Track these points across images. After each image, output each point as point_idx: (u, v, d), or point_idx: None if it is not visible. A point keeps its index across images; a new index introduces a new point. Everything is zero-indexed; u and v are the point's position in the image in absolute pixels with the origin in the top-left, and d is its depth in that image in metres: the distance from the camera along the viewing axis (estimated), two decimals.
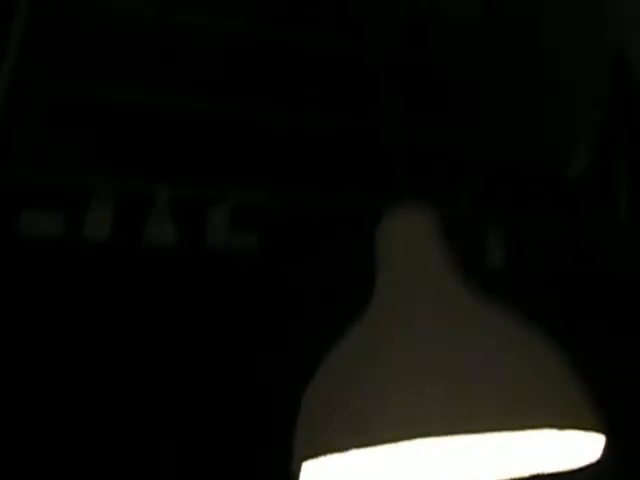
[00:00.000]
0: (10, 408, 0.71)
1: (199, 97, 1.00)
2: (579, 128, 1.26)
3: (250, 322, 0.82)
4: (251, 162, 0.99)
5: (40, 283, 0.78)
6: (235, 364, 0.78)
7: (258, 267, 0.87)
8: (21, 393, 0.73)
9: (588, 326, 1.00)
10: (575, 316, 1.01)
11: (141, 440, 0.73)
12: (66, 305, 0.78)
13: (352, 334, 0.47)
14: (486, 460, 0.49)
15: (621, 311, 1.06)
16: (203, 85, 1.02)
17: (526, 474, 0.48)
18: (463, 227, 1.03)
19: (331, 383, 0.43)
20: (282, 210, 0.95)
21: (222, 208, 0.92)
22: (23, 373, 0.74)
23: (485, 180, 1.14)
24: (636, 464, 0.80)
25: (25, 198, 0.84)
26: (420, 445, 0.47)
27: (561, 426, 0.36)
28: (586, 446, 0.43)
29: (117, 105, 1.00)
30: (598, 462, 0.45)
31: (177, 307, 0.81)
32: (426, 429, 0.34)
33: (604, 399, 0.51)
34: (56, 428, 0.73)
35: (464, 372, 0.36)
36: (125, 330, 0.78)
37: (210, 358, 0.78)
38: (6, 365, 0.73)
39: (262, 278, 0.86)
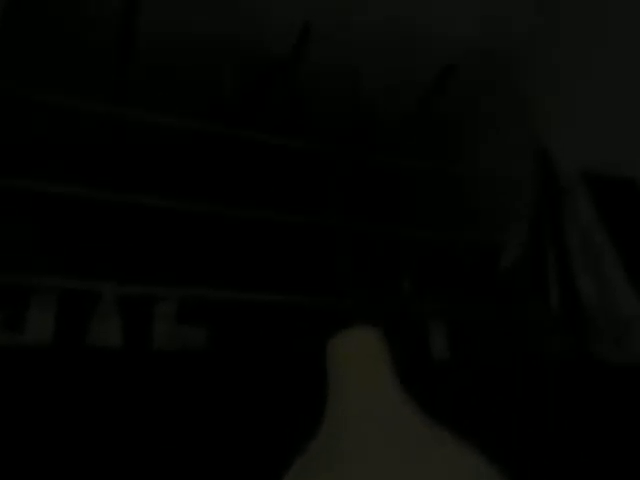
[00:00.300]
0: None
1: (145, 192, 1.02)
2: (509, 221, 1.35)
3: (199, 423, 0.81)
4: (198, 257, 1.01)
5: None
6: (184, 466, 0.76)
7: (207, 364, 0.87)
8: None
9: (527, 406, 1.04)
10: (515, 399, 1.05)
11: None
12: (7, 411, 0.74)
13: (308, 453, 0.48)
14: None
15: (558, 392, 1.11)
16: (150, 180, 1.04)
17: None
18: (406, 320, 1.07)
19: None
20: (230, 305, 0.96)
21: (169, 304, 0.92)
22: None
23: (424, 272, 1.19)
24: None
25: None
26: None
27: None
28: None
29: (60, 198, 1.00)
30: None
31: (123, 409, 0.79)
32: None
33: None
34: None
35: None
36: (68, 437, 0.74)
37: (158, 461, 0.76)
38: None
39: (211, 376, 0.85)
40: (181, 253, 1.03)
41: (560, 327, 1.22)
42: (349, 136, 1.37)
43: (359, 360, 0.53)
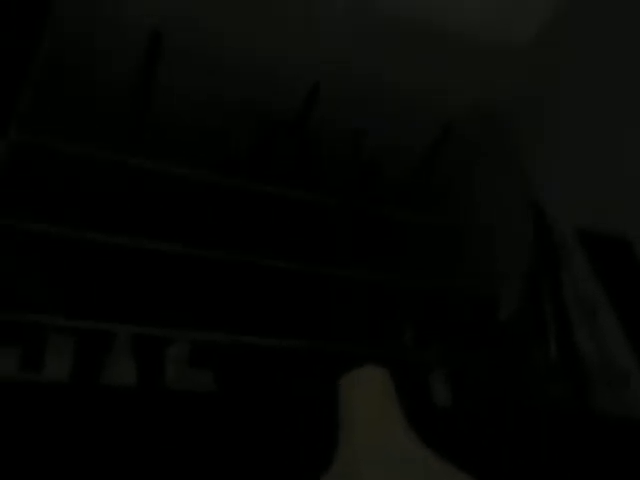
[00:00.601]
0: None
1: (154, 238, 1.07)
2: (508, 275, 1.40)
3: (206, 460, 0.83)
4: (207, 304, 1.05)
5: None
6: None
7: (215, 404, 0.89)
8: None
9: (524, 453, 1.06)
10: (513, 446, 1.07)
11: None
12: (23, 447, 0.76)
13: None
14: None
15: (554, 440, 1.12)
16: (159, 226, 1.09)
17: None
18: (409, 369, 1.10)
19: None
20: (237, 349, 0.99)
21: (180, 347, 0.96)
22: None
23: (425, 321, 1.23)
24: None
25: None
26: None
27: None
28: None
29: (79, 243, 1.05)
30: None
31: (135, 445, 0.81)
32: None
33: None
34: None
35: None
36: (83, 471, 0.76)
37: None
38: None
39: (219, 416, 0.88)
40: (193, 298, 1.07)
41: (558, 377, 1.25)
42: (353, 190, 1.44)
43: (369, 398, 0.56)
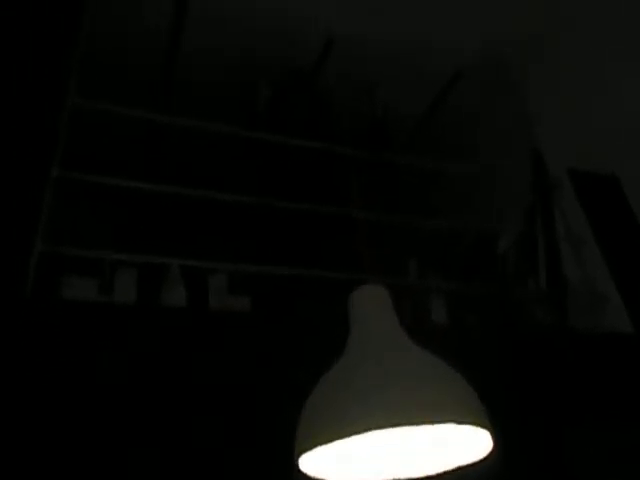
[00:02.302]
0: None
1: (204, 188, 1.25)
2: (508, 212, 1.56)
3: (246, 368, 1.04)
4: (245, 241, 1.24)
5: (78, 339, 0.99)
6: (239, 397, 0.99)
7: (251, 324, 1.10)
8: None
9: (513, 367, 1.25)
10: (505, 362, 1.26)
11: None
12: (99, 357, 0.98)
13: (334, 367, 0.71)
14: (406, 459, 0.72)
15: (540, 358, 1.31)
16: (206, 179, 1.27)
17: (432, 472, 0.71)
18: (413, 292, 1.29)
19: (320, 398, 0.66)
20: (270, 279, 1.19)
21: (221, 277, 1.16)
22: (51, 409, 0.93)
23: (429, 253, 1.41)
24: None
25: (66, 268, 1.06)
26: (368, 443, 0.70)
27: (460, 422, 0.60)
28: (478, 442, 0.67)
29: (140, 195, 1.24)
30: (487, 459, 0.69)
31: (187, 358, 1.03)
32: (376, 424, 0.57)
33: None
34: None
35: (401, 387, 0.60)
36: (147, 375, 0.98)
37: (217, 397, 1.00)
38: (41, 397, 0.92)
39: (255, 333, 1.09)
40: (233, 237, 1.27)
41: (546, 302, 1.43)
42: (367, 137, 1.59)
43: (372, 304, 0.75)
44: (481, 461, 0.70)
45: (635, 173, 1.44)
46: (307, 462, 0.68)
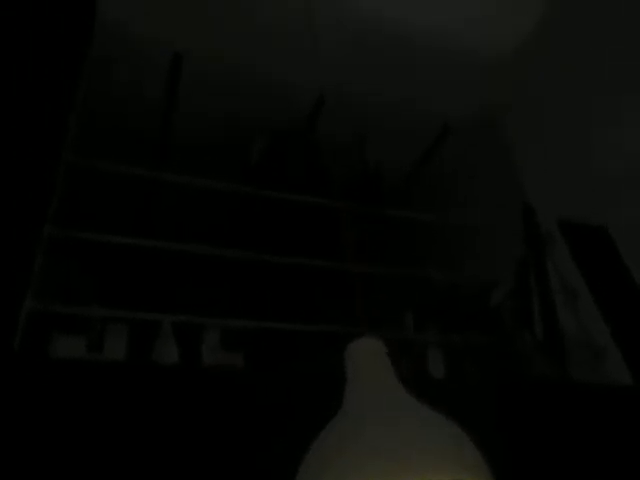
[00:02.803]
0: None
1: (196, 243, 1.25)
2: (499, 265, 1.56)
3: (240, 424, 1.01)
4: (237, 297, 1.23)
5: (66, 397, 0.96)
6: (235, 453, 0.96)
7: (245, 381, 1.07)
8: None
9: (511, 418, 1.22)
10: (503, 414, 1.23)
11: None
12: (88, 415, 0.95)
13: (331, 427, 0.68)
14: None
15: (540, 411, 1.28)
16: (196, 234, 1.27)
17: None
18: (410, 345, 1.27)
19: (317, 462, 0.64)
20: (262, 334, 1.17)
21: (214, 333, 1.14)
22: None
23: (425, 306, 1.40)
24: None
25: (55, 326, 1.04)
26: None
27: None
28: None
29: (134, 253, 1.23)
30: None
31: (180, 415, 1.00)
32: None
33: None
34: None
35: (403, 450, 0.58)
36: (137, 433, 0.95)
37: (210, 452, 0.96)
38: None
39: (248, 390, 1.06)
40: (225, 293, 1.26)
41: (544, 354, 1.41)
42: (360, 193, 1.61)
43: (368, 357, 0.73)
44: None
45: (623, 219, 1.46)
46: None
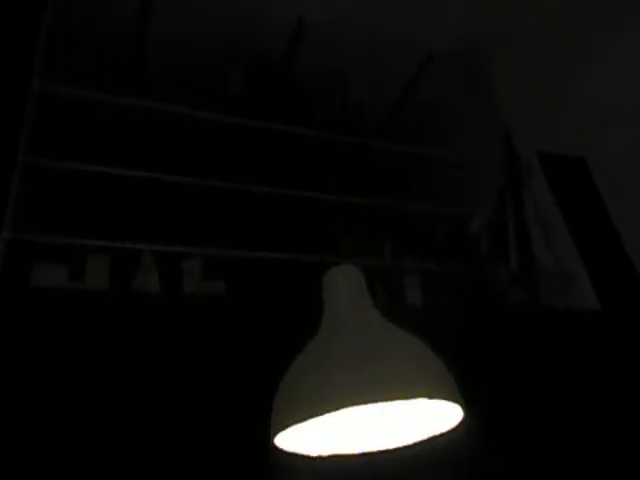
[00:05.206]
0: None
1: (176, 174, 1.24)
2: (483, 198, 1.58)
3: (221, 350, 1.05)
4: (219, 225, 1.23)
5: (48, 326, 0.98)
6: (218, 377, 1.00)
7: (226, 308, 1.10)
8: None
9: (485, 346, 1.28)
10: (476, 342, 1.28)
11: None
12: (69, 344, 0.97)
13: (307, 348, 0.71)
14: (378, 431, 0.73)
15: (513, 336, 1.34)
16: (180, 164, 1.26)
17: (406, 442, 0.73)
18: (389, 274, 1.30)
19: (294, 378, 0.67)
20: (244, 262, 1.19)
21: (195, 262, 1.15)
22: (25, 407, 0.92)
23: (403, 236, 1.43)
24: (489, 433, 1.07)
25: (36, 256, 1.04)
26: (344, 416, 0.71)
27: (431, 396, 0.61)
28: (448, 414, 0.68)
29: (113, 180, 1.22)
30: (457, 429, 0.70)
31: (160, 343, 1.02)
32: (343, 404, 0.58)
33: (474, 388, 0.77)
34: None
35: (373, 364, 0.61)
36: (119, 361, 0.98)
37: (193, 378, 1.00)
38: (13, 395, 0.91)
39: (230, 317, 1.09)
40: (206, 222, 1.26)
41: (517, 282, 1.46)
42: (340, 122, 1.59)
43: (345, 283, 0.76)
44: (451, 431, 0.71)
45: (603, 154, 1.47)
46: (284, 437, 0.68)
